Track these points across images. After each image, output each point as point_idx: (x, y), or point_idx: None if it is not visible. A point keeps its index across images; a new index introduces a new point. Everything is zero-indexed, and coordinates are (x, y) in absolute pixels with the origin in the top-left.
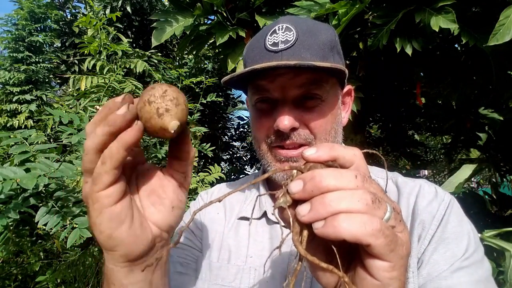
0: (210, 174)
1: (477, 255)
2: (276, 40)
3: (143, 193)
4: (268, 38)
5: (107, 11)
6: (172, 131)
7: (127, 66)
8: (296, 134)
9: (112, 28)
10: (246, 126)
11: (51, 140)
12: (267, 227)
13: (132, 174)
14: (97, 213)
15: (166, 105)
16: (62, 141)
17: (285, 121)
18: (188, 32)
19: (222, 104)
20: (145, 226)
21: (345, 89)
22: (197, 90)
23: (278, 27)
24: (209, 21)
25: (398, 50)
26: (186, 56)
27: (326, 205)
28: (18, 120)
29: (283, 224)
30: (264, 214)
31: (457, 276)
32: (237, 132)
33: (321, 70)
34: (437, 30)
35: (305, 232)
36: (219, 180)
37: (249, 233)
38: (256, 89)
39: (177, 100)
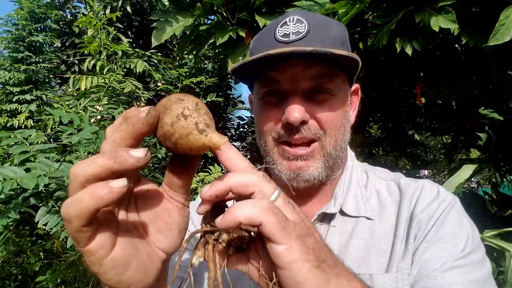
0: (210, 174)
1: (475, 256)
2: (287, 31)
3: (147, 219)
4: (279, 30)
5: (107, 11)
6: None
7: (127, 66)
8: (306, 127)
9: (112, 28)
10: (246, 126)
11: (51, 140)
12: None
13: (131, 197)
14: (96, 265)
15: (204, 119)
16: (62, 141)
17: (296, 113)
18: (188, 32)
19: (222, 104)
20: (152, 255)
21: (353, 88)
22: (197, 90)
23: (289, 19)
24: (209, 21)
25: (398, 50)
26: (186, 56)
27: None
28: (18, 120)
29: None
30: None
31: (449, 275)
32: (237, 132)
33: (336, 60)
34: (437, 30)
35: (220, 278)
36: None
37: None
38: (265, 81)
39: (209, 113)
